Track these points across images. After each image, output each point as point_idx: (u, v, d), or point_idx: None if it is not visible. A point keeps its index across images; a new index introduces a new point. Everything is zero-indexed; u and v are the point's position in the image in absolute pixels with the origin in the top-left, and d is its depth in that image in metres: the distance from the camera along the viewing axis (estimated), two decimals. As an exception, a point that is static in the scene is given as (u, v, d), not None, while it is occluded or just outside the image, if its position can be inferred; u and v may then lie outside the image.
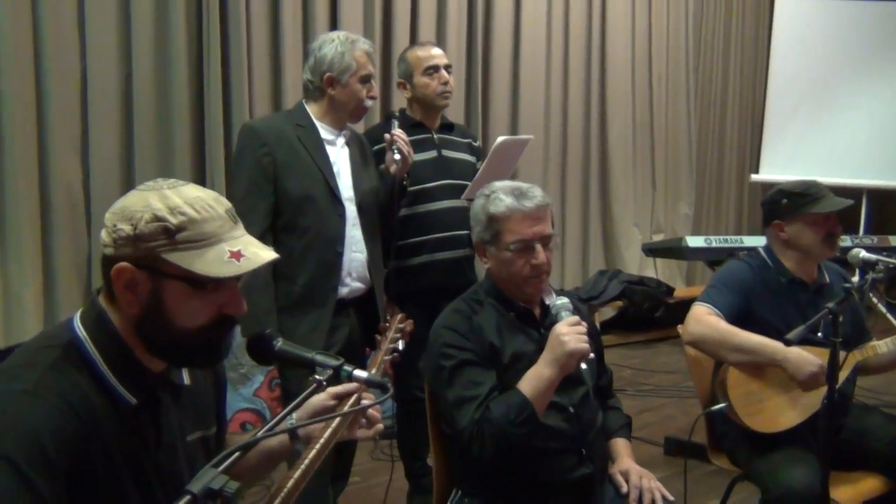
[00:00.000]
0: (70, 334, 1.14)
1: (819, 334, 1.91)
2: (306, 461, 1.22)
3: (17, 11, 3.47)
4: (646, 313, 5.71)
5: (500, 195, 1.85)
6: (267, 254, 1.15)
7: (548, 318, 1.85)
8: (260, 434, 1.07)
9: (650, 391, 4.54)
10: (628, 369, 4.95)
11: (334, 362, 1.26)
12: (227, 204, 1.17)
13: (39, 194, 3.59)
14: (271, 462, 1.40)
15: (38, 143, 3.59)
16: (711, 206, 7.13)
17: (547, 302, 1.88)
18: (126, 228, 1.10)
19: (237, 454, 0.97)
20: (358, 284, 2.47)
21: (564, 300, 1.80)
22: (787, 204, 2.28)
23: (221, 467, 0.93)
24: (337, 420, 1.30)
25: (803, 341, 2.02)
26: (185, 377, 1.26)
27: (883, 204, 6.57)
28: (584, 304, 3.80)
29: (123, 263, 1.10)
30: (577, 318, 1.76)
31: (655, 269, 6.35)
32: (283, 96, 4.28)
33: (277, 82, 4.31)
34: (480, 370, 1.78)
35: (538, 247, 1.83)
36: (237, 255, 1.11)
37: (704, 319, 2.22)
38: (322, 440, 1.27)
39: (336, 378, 1.26)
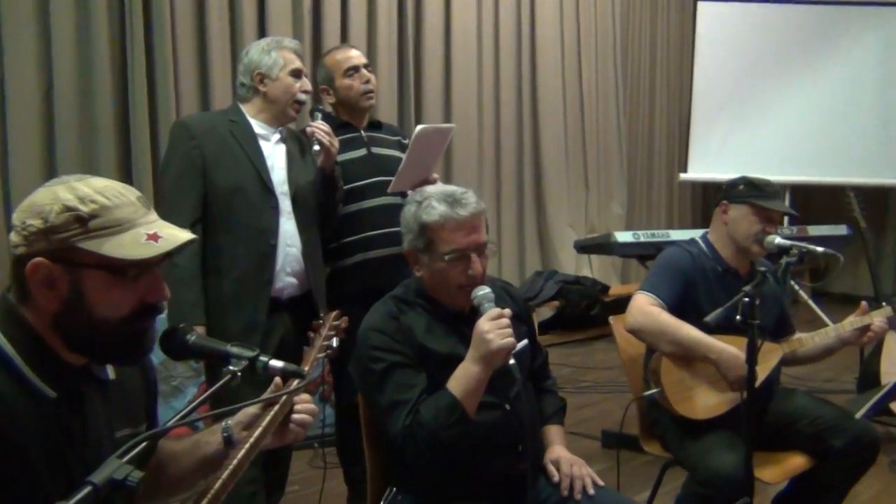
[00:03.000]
0: None
1: (738, 318, 1.97)
2: (234, 461, 1.20)
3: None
4: (582, 312, 5.80)
5: (433, 203, 1.79)
6: (184, 234, 1.13)
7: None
8: (171, 422, 1.05)
9: (589, 388, 4.61)
10: (567, 367, 5.02)
11: (250, 353, 1.24)
12: (138, 192, 1.15)
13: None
14: (206, 468, 1.36)
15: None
16: (643, 205, 7.30)
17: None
18: (36, 223, 1.07)
19: (143, 444, 0.95)
20: (292, 280, 2.43)
21: (486, 290, 1.76)
22: (743, 189, 2.38)
23: (126, 458, 0.91)
24: (266, 421, 1.28)
25: (723, 326, 2.09)
26: (110, 372, 1.22)
27: (805, 198, 6.83)
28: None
29: (38, 259, 1.07)
30: (498, 310, 1.71)
31: (591, 269, 6.45)
32: (211, 100, 4.21)
33: (205, 86, 4.23)
34: (411, 372, 1.75)
35: (474, 256, 1.78)
36: (154, 237, 1.09)
37: (646, 309, 2.27)
38: (250, 441, 1.25)
39: (252, 369, 1.24)
